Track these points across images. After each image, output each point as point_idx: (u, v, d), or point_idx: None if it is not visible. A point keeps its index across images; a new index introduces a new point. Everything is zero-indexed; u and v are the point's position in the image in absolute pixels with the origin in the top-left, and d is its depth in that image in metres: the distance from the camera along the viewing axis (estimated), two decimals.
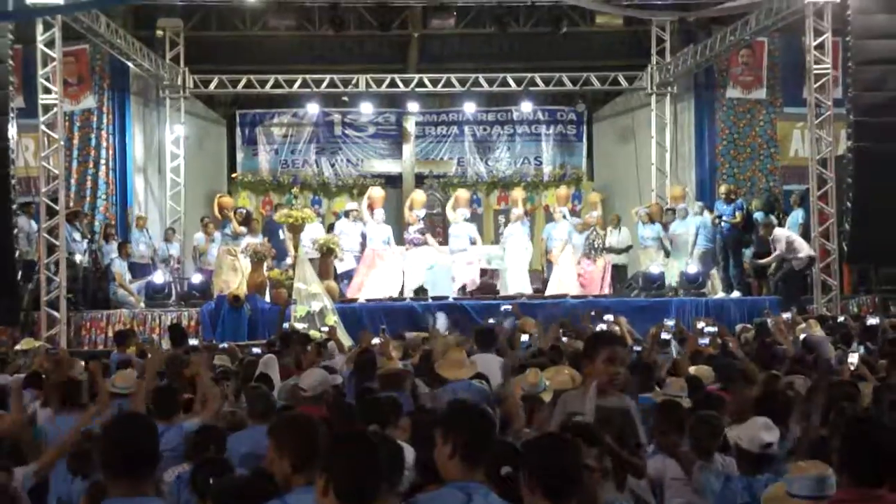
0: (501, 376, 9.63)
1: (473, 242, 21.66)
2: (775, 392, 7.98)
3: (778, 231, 20.11)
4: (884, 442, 4.39)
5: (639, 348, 11.60)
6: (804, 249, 19.66)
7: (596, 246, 21.94)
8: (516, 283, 21.49)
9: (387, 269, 21.08)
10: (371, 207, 21.60)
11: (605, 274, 21.86)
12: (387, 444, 5.34)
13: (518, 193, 23.95)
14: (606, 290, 21.55)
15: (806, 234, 20.55)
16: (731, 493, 6.09)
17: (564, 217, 22.62)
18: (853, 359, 10.22)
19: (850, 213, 18.86)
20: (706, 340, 11.54)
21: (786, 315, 15.33)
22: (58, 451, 7.21)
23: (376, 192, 22.44)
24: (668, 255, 22.66)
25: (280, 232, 21.74)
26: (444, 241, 22.55)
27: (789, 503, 4.95)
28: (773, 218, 21.41)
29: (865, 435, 4.40)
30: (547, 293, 21.18)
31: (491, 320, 15.72)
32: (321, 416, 6.63)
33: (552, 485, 4.53)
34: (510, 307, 16.74)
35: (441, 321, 15.80)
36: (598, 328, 13.67)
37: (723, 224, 20.91)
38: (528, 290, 21.35)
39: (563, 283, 21.44)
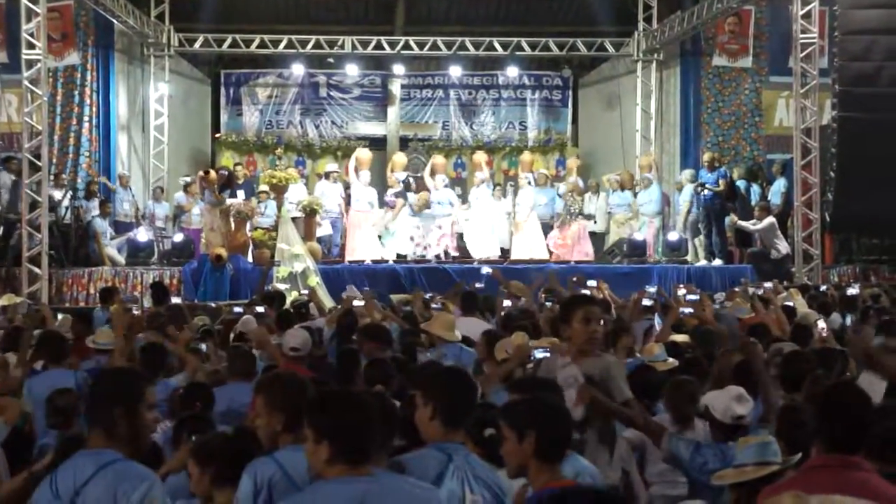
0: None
1: (452, 206, 21.60)
2: (752, 360, 8.02)
3: (770, 219, 20.26)
4: (858, 408, 4.43)
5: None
6: (783, 245, 19.91)
7: (572, 211, 21.93)
8: (482, 247, 21.44)
9: (371, 231, 21.03)
10: (357, 169, 21.55)
11: (579, 239, 21.82)
12: (384, 403, 5.39)
13: (481, 156, 23.86)
14: (581, 256, 21.48)
15: (788, 203, 20.66)
16: (702, 459, 6.12)
17: (529, 183, 22.49)
18: (821, 325, 10.30)
19: (832, 184, 18.95)
20: (689, 310, 11.53)
21: (767, 285, 15.44)
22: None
23: (363, 154, 22.37)
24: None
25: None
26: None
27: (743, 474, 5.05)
28: (770, 202, 21.52)
29: (840, 401, 4.44)
30: (512, 258, 21.17)
31: (478, 285, 15.71)
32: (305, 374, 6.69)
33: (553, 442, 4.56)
34: (490, 271, 16.75)
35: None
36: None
37: (705, 192, 20.95)
38: (495, 254, 21.32)
39: (527, 248, 21.43)
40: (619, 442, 6.66)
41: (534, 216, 21.84)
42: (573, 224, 21.85)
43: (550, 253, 21.62)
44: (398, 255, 20.80)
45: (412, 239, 21.04)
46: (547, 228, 22.13)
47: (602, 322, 6.75)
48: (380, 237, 21.29)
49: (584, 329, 6.39)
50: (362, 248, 20.67)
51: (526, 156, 24.42)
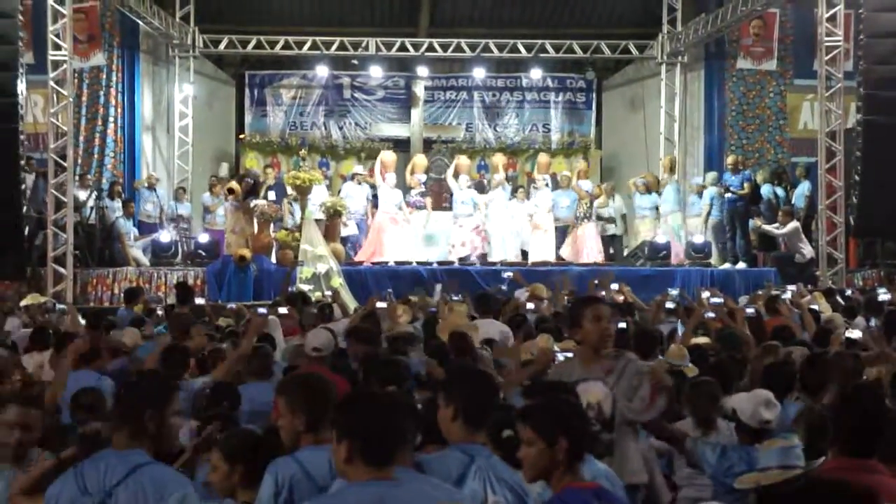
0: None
1: (476, 208, 21.60)
2: (780, 363, 7.99)
3: (794, 223, 20.21)
4: (873, 412, 4.42)
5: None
6: (807, 248, 19.88)
7: (577, 215, 21.92)
8: (500, 249, 21.43)
9: (399, 233, 21.06)
10: (383, 172, 21.58)
11: (586, 241, 21.77)
12: (405, 404, 5.39)
13: (499, 159, 23.87)
14: (591, 259, 21.45)
15: (812, 207, 20.61)
16: (728, 462, 6.11)
17: (547, 185, 22.48)
18: (855, 333, 10.21)
19: (857, 187, 18.85)
20: (712, 313, 11.49)
21: (791, 288, 15.37)
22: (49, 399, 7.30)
23: (388, 156, 22.42)
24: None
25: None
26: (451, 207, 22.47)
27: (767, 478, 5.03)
28: (794, 206, 21.47)
29: (856, 405, 4.43)
30: (530, 260, 21.16)
31: (503, 287, 15.71)
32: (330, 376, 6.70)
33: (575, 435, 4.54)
34: (511, 274, 16.75)
35: (437, 292, 15.71)
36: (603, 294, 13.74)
37: (728, 195, 20.92)
38: (513, 256, 21.31)
39: (545, 250, 21.40)
40: (643, 446, 6.65)
41: (551, 218, 21.78)
42: (579, 227, 21.82)
43: (558, 257, 21.58)
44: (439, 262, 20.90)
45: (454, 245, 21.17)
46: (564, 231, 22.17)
47: (612, 320, 6.69)
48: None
49: (596, 328, 6.34)
50: (391, 250, 20.70)
51: (542, 157, 24.42)
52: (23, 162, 18.27)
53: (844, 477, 4.08)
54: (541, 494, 4.79)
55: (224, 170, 24.50)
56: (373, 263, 20.35)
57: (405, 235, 21.21)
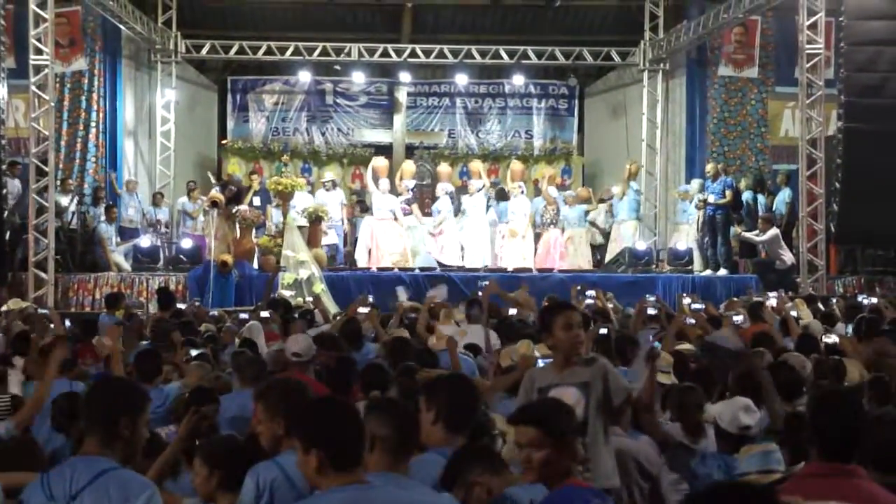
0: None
1: (439, 212, 21.62)
2: (758, 370, 8.02)
3: (774, 230, 20.29)
4: (849, 416, 4.44)
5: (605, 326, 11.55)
6: (788, 255, 19.95)
7: (545, 220, 21.95)
8: (477, 256, 21.45)
9: (395, 238, 21.08)
10: (376, 178, 21.62)
11: (554, 247, 21.81)
12: (405, 410, 5.40)
13: (478, 165, 23.87)
14: (560, 265, 21.47)
15: (793, 214, 20.70)
16: (707, 470, 6.13)
17: (522, 192, 22.47)
18: (831, 339, 10.30)
19: (838, 194, 18.93)
20: (692, 320, 11.52)
21: (772, 295, 15.43)
22: (30, 409, 7.25)
23: (380, 163, 22.47)
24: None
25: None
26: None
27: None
28: (775, 213, 21.56)
29: (835, 409, 4.44)
30: (500, 266, 21.16)
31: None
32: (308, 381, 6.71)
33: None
34: (487, 283, 16.71)
35: (402, 294, 15.65)
36: (584, 303, 13.79)
37: (707, 208, 21.02)
38: (490, 263, 21.33)
39: (520, 256, 21.40)
40: (648, 449, 6.65)
41: (527, 224, 21.79)
42: (545, 233, 21.84)
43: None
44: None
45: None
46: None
47: (581, 326, 6.68)
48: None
49: (567, 335, 6.31)
50: (394, 254, 20.75)
51: (516, 164, 24.34)
52: (4, 166, 18.21)
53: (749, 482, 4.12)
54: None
55: (212, 180, 24.46)
56: (352, 269, 20.38)
57: (399, 241, 21.20)
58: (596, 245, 23.09)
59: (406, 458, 4.42)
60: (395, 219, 21.37)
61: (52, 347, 9.10)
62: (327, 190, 22.54)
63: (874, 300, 14.84)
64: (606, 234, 23.19)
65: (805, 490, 4.13)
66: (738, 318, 12.10)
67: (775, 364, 8.12)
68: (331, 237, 21.55)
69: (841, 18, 18.88)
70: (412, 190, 22.33)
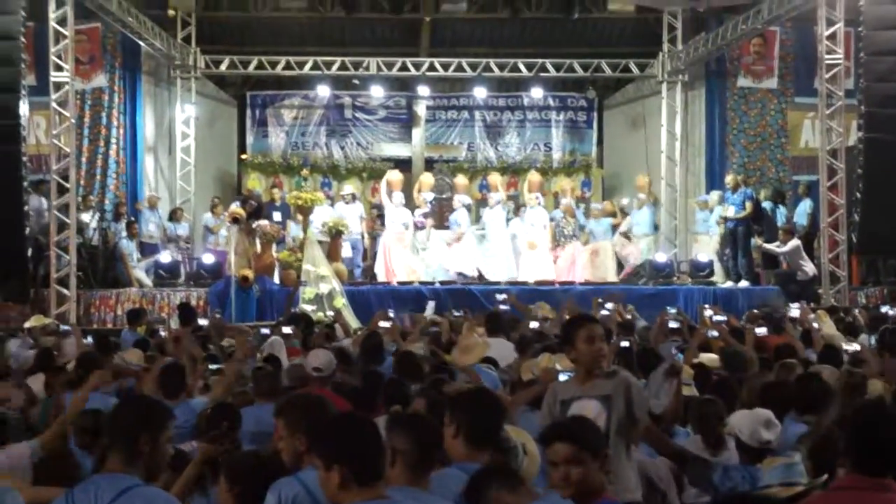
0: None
1: (459, 225, 21.59)
2: (784, 382, 8.00)
3: (795, 241, 20.23)
4: (888, 430, 4.41)
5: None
6: (809, 266, 19.90)
7: (566, 234, 21.88)
8: (499, 268, 21.39)
9: (405, 252, 21.09)
10: (390, 191, 21.64)
11: (574, 261, 21.76)
12: (428, 425, 5.40)
13: (496, 178, 23.84)
14: (577, 278, 21.41)
15: (814, 225, 20.64)
16: (731, 483, 6.10)
17: (539, 204, 22.42)
18: (851, 347, 10.28)
19: (859, 205, 18.84)
20: (714, 332, 11.49)
21: (794, 306, 15.37)
22: (60, 426, 7.24)
23: (394, 176, 22.49)
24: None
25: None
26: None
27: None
28: (795, 223, 21.52)
29: (872, 424, 4.41)
30: (520, 279, 21.08)
31: (503, 307, 15.66)
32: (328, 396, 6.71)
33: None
34: (505, 296, 16.68)
35: (430, 309, 15.65)
36: (602, 313, 13.77)
37: (726, 224, 21.04)
38: (513, 275, 21.25)
39: (538, 269, 21.34)
40: (659, 464, 6.64)
41: (546, 237, 21.74)
42: (567, 246, 21.78)
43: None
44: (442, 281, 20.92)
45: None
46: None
47: (603, 340, 6.66)
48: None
49: (589, 349, 6.29)
50: (407, 268, 20.76)
51: (534, 176, 24.31)
52: (26, 184, 18.26)
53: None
54: None
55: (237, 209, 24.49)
56: (374, 283, 20.38)
57: (412, 255, 21.21)
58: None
59: (427, 473, 4.43)
60: (407, 229, 21.37)
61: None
62: (347, 203, 22.57)
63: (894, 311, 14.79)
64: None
65: (842, 502, 4.12)
66: (762, 331, 12.07)
67: (804, 376, 8.08)
68: (345, 250, 21.55)
69: (860, 28, 18.80)
70: (431, 203, 22.32)
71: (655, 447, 6.58)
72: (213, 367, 9.59)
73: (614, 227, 22.97)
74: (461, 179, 23.43)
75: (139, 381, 8.73)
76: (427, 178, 23.28)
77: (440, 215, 22.64)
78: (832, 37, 19.53)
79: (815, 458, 5.69)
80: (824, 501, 4.46)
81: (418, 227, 21.74)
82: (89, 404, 7.44)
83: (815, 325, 13.03)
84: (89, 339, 12.98)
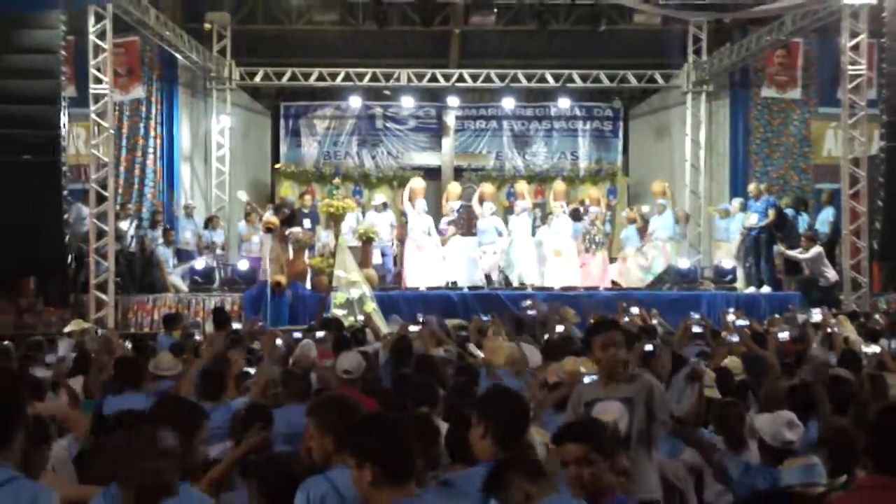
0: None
1: (500, 234, 21.56)
2: (807, 385, 7.98)
3: (817, 248, 20.16)
4: None
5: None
6: (831, 272, 19.81)
7: (597, 241, 21.80)
8: (525, 274, 21.35)
9: (427, 258, 21.10)
10: (412, 199, 21.67)
11: (605, 267, 21.70)
12: (428, 425, 5.44)
13: (523, 186, 23.77)
14: (607, 283, 21.35)
15: (836, 232, 20.55)
16: (751, 480, 6.10)
17: (564, 212, 22.34)
18: (869, 349, 10.25)
19: (881, 212, 18.78)
20: (735, 338, 11.48)
21: (815, 311, 15.31)
22: (87, 423, 7.29)
23: (417, 184, 22.49)
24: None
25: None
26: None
27: None
28: (817, 231, 21.43)
29: (891, 423, 4.40)
30: (546, 284, 21.00)
31: (531, 312, 15.66)
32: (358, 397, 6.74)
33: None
34: (529, 302, 16.65)
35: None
36: (624, 319, 13.74)
37: (749, 232, 20.98)
38: (537, 281, 21.19)
39: (563, 275, 21.26)
40: (677, 464, 6.66)
41: (572, 244, 21.68)
42: (597, 254, 21.71)
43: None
44: (448, 283, 20.87)
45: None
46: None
47: (623, 346, 6.67)
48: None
49: (605, 355, 6.38)
50: (421, 275, 20.76)
51: (559, 185, 24.22)
52: (66, 193, 18.39)
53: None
54: None
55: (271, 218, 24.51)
56: (405, 289, 20.39)
57: (431, 261, 21.18)
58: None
59: (411, 476, 4.38)
60: (430, 235, 21.37)
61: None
62: (378, 212, 22.60)
63: None
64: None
65: (863, 501, 4.11)
66: (784, 335, 12.04)
67: (833, 379, 8.06)
68: (375, 257, 21.56)
69: (883, 40, 18.75)
70: (457, 211, 22.33)
71: (686, 439, 6.58)
72: (247, 369, 9.66)
73: (640, 233, 22.85)
74: (488, 187, 23.36)
75: (177, 384, 8.77)
76: (454, 188, 23.28)
77: (468, 223, 22.61)
78: (855, 48, 19.47)
79: (835, 459, 5.69)
80: (847, 501, 4.45)
81: (442, 235, 21.74)
82: (126, 405, 7.47)
83: (836, 329, 13.00)
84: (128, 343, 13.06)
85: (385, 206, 23.04)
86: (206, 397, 8.01)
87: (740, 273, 21.48)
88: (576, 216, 22.20)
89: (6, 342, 13.57)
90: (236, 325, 14.50)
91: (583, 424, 5.00)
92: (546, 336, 12.66)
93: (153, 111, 24.23)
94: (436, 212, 22.69)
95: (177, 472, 4.32)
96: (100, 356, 9.82)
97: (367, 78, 25.82)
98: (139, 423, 4.89)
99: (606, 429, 4.71)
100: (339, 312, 17.74)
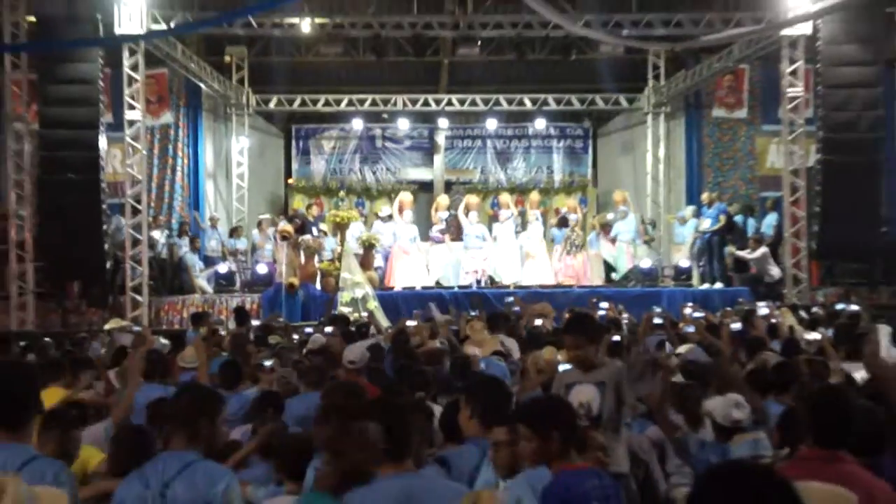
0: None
1: (484, 240, 21.54)
2: (760, 369, 7.99)
3: (763, 248, 20.20)
4: (843, 409, 4.43)
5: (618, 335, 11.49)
6: (775, 270, 19.85)
7: (577, 244, 21.78)
8: (507, 274, 21.32)
9: (411, 262, 21.07)
10: (401, 210, 21.65)
11: (585, 268, 21.68)
12: (423, 408, 5.46)
13: (506, 197, 23.76)
14: (588, 283, 21.30)
15: (779, 234, 20.59)
16: (706, 456, 6.13)
17: (537, 219, 22.27)
18: (810, 336, 10.29)
19: (818, 217, 18.82)
20: (692, 328, 11.49)
21: (762, 304, 15.33)
22: (122, 412, 7.26)
23: (406, 196, 22.48)
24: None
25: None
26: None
27: None
28: (763, 234, 21.45)
29: (827, 402, 4.44)
30: (524, 283, 20.94)
31: (516, 308, 15.67)
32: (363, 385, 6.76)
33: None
34: (512, 298, 16.65)
35: (434, 310, 15.57)
36: (598, 313, 13.73)
37: (703, 235, 21.01)
38: (520, 280, 21.13)
39: (535, 274, 21.21)
40: (642, 438, 6.68)
41: (542, 247, 21.64)
42: (577, 256, 21.70)
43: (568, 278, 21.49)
44: (438, 283, 20.86)
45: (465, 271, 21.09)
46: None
47: (599, 337, 6.71)
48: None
49: (572, 354, 6.47)
50: (406, 277, 20.74)
51: (534, 195, 24.16)
52: (105, 206, 18.37)
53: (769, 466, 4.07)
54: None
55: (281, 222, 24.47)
56: (403, 288, 20.37)
57: (414, 265, 21.13)
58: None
59: (410, 454, 4.39)
60: (414, 242, 21.34)
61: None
62: (384, 222, 22.51)
63: (853, 308, 14.72)
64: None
65: (802, 471, 4.13)
66: (737, 326, 12.05)
67: (780, 364, 8.06)
68: (378, 261, 21.55)
69: (818, 65, 18.78)
70: (446, 220, 22.32)
71: (656, 418, 6.60)
72: (266, 362, 9.66)
73: (599, 237, 22.85)
74: (472, 198, 23.31)
75: (199, 374, 8.75)
76: (443, 200, 23.27)
77: (456, 230, 22.58)
78: (794, 73, 19.55)
79: (781, 434, 5.70)
80: (789, 471, 4.47)
81: (436, 242, 21.72)
82: (154, 395, 7.47)
83: (780, 320, 13.03)
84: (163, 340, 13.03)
85: (390, 216, 22.99)
86: (224, 386, 8.01)
87: (696, 272, 21.51)
88: (563, 223, 22.21)
89: (46, 338, 13.58)
90: (255, 322, 14.52)
91: (525, 407, 4.96)
92: (526, 328, 12.63)
93: (180, 134, 24.24)
94: (427, 220, 22.71)
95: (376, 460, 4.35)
96: (135, 350, 9.78)
97: (367, 103, 25.88)
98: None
99: (545, 411, 4.67)
100: (345, 310, 17.73)
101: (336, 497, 4.23)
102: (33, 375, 4.78)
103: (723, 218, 20.96)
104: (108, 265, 18.59)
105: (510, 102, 26.16)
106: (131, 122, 19.38)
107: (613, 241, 22.56)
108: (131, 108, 19.33)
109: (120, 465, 5.34)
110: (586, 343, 6.41)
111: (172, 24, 20.04)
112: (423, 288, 20.42)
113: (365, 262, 20.19)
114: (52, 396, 7.45)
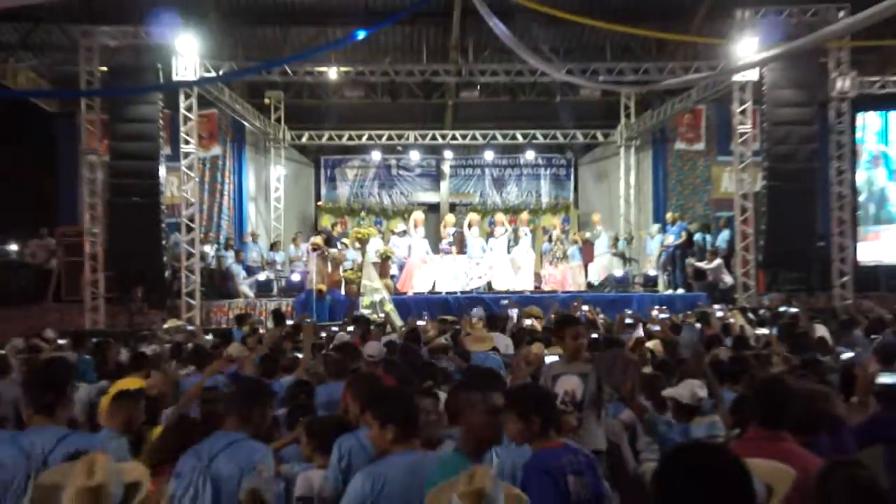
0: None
1: (483, 251, 21.52)
2: (719, 361, 7.99)
3: (718, 260, 20.17)
4: (783, 395, 4.43)
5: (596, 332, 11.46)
6: (728, 278, 19.84)
7: (559, 256, 21.75)
8: (502, 281, 21.28)
9: (427, 271, 21.09)
10: (416, 225, 21.68)
11: (565, 277, 21.63)
12: (432, 394, 5.45)
13: (501, 216, 23.73)
14: (572, 288, 21.25)
15: (731, 248, 20.56)
16: (671, 435, 6.12)
17: (525, 235, 22.23)
18: (759, 332, 10.29)
19: (763, 233, 18.81)
20: (657, 326, 11.50)
21: (717, 307, 15.33)
22: (188, 399, 7.27)
23: (419, 215, 22.48)
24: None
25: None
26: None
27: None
28: (718, 247, 21.42)
29: (773, 390, 4.44)
30: (515, 289, 20.88)
31: (511, 311, 15.65)
32: (381, 375, 6.76)
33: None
34: (507, 302, 16.64)
35: (477, 312, 15.56)
36: (577, 314, 13.72)
37: (668, 249, 21.02)
38: (512, 286, 21.07)
39: (521, 283, 21.07)
40: (615, 422, 6.66)
41: (529, 259, 21.57)
42: (560, 265, 21.67)
43: (537, 286, 21.43)
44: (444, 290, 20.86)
45: (468, 275, 21.04)
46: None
47: (585, 336, 6.71)
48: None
49: (574, 343, 6.43)
50: (419, 284, 20.74)
51: (523, 215, 24.12)
52: (164, 225, 18.42)
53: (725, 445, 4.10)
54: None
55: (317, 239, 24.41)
56: (414, 293, 20.36)
57: (431, 273, 21.14)
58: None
59: (417, 433, 4.38)
60: (427, 254, 21.30)
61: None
62: (399, 237, 22.52)
63: (794, 310, 14.71)
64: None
65: (749, 449, 4.13)
66: (698, 325, 12.05)
67: (733, 358, 8.06)
68: (393, 270, 21.55)
69: (763, 106, 18.80)
70: (453, 235, 22.34)
71: (629, 404, 6.61)
72: (297, 355, 9.67)
73: (581, 251, 22.78)
74: (474, 216, 23.28)
75: (241, 366, 8.77)
76: (450, 218, 23.23)
77: (460, 243, 22.58)
78: (743, 112, 19.54)
79: (735, 417, 5.70)
80: (738, 449, 4.46)
81: (445, 254, 21.72)
82: (207, 384, 7.48)
83: (732, 320, 13.03)
84: (210, 337, 13.05)
85: (404, 232, 22.97)
86: (264, 376, 8.02)
87: (661, 279, 21.49)
88: (550, 239, 22.22)
89: (109, 338, 13.56)
90: (290, 322, 14.51)
91: (511, 393, 4.86)
92: (517, 328, 12.63)
93: (227, 164, 24.26)
94: (435, 235, 22.72)
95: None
96: (194, 345, 9.81)
97: (384, 138, 25.93)
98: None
99: (527, 398, 4.62)
100: (365, 312, 17.71)
101: (473, 459, 4.15)
102: (66, 369, 4.84)
103: (684, 234, 21.00)
104: (166, 274, 18.64)
105: (504, 137, 26.21)
106: (186, 154, 19.42)
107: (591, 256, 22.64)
108: (186, 142, 19.39)
109: (165, 443, 5.36)
110: (585, 332, 6.47)
111: (221, 72, 20.15)
112: (430, 293, 20.39)
113: (382, 272, 20.20)
114: (129, 384, 7.44)
